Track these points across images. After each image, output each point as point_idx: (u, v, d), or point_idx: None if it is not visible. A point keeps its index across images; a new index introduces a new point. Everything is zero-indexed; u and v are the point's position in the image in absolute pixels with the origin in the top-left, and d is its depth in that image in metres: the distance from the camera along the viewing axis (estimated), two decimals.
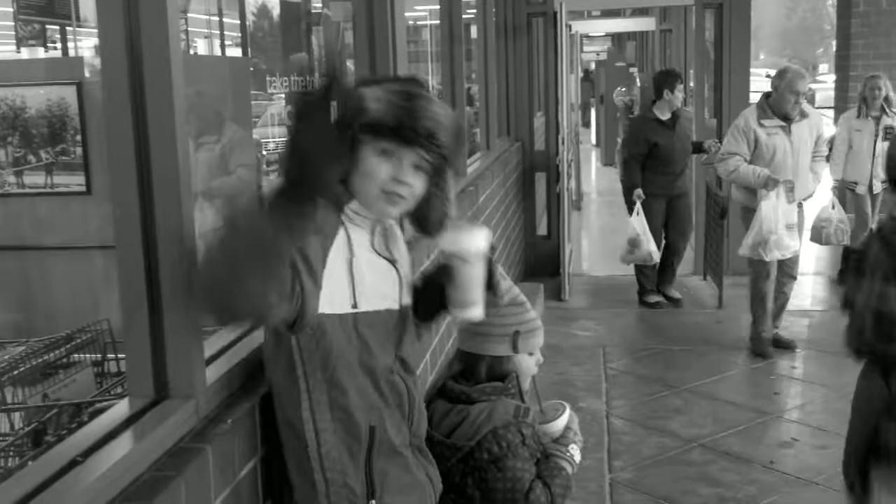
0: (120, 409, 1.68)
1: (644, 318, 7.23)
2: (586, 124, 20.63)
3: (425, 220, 1.94)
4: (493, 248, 2.04)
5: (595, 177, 16.46)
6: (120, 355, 2.72)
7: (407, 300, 1.98)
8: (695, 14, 9.05)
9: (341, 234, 1.84)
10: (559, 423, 2.50)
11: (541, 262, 8.49)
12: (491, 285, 2.04)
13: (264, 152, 4.15)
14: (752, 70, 12.91)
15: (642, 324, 7.10)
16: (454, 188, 1.99)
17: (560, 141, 7.91)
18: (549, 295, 7.56)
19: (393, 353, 1.91)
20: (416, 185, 1.84)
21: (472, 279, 1.96)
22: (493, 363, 2.42)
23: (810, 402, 5.46)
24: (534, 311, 2.53)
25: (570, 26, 9.73)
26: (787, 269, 6.19)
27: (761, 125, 5.99)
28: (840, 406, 5.37)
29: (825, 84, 23.79)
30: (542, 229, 9.16)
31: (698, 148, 7.67)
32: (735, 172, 6.07)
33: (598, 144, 19.03)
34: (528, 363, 2.47)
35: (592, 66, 21.74)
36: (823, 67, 55.38)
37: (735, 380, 5.86)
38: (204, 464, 1.62)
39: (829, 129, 6.62)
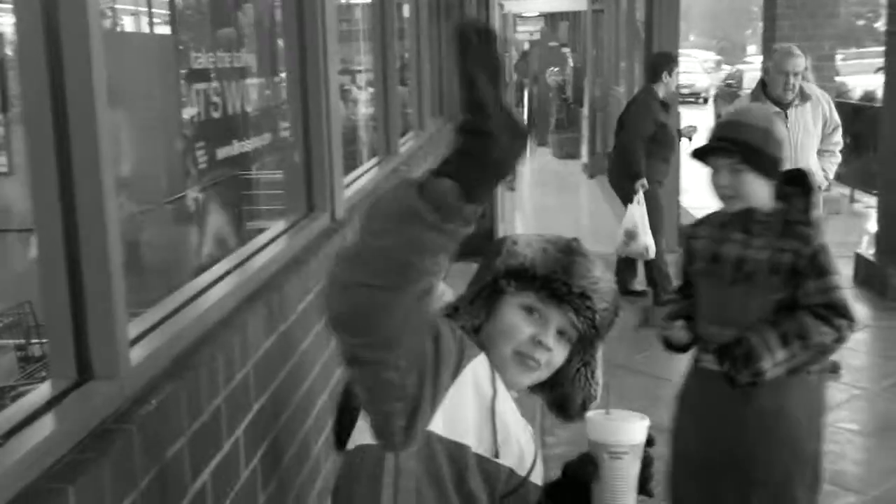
0: (41, 392, 1.66)
1: None
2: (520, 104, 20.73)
3: (567, 401, 1.70)
4: (650, 441, 1.62)
5: (528, 157, 16.57)
6: (44, 339, 2.68)
7: (538, 479, 1.65)
8: None
9: (482, 360, 1.56)
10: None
11: (475, 242, 8.51)
12: (645, 489, 1.62)
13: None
14: (683, 51, 13.12)
15: None
16: (601, 369, 1.73)
17: None
18: None
19: None
20: (556, 352, 1.61)
21: (624, 479, 1.58)
22: None
23: None
24: None
25: (502, 5, 9.76)
26: None
27: None
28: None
29: (753, 65, 24.24)
30: None
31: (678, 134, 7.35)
32: None
33: (531, 125, 19.15)
34: None
35: (526, 45, 21.84)
36: (752, 49, 56.31)
37: (666, 356, 5.95)
38: (128, 445, 1.61)
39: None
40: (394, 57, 5.57)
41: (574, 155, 15.26)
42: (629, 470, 1.58)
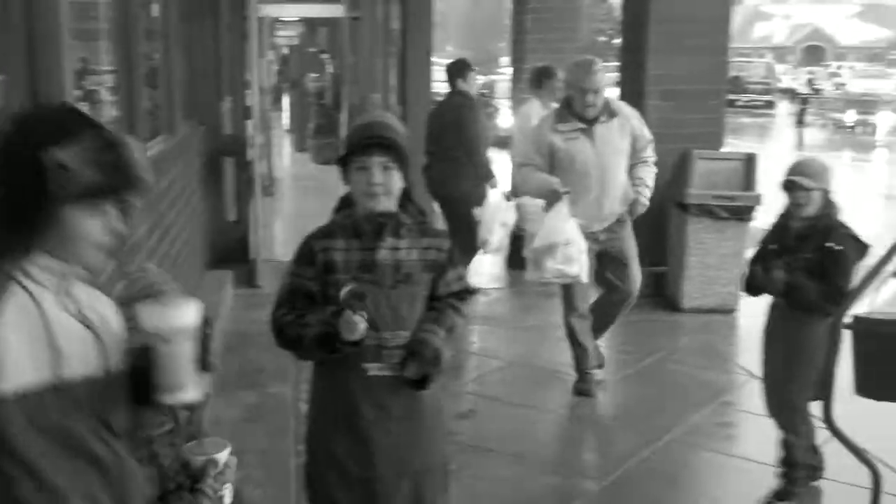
0: None
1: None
2: (279, 109, 20.52)
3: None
4: (207, 322, 1.82)
5: (288, 162, 16.42)
6: None
7: (117, 364, 1.77)
8: (381, 3, 9.28)
9: (15, 290, 1.63)
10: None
11: (229, 247, 8.34)
12: (206, 363, 1.81)
13: None
14: (440, 60, 13.50)
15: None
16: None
17: (250, 126, 7.81)
18: (240, 281, 7.47)
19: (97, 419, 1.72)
20: (124, 230, 1.74)
21: (178, 360, 1.73)
22: None
23: (487, 373, 5.81)
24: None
25: (258, 9, 9.62)
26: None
27: (556, 130, 5.16)
28: (511, 376, 5.79)
29: (505, 76, 25.28)
30: (233, 215, 9.00)
31: None
32: (525, 183, 5.41)
33: (291, 130, 18.98)
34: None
35: (285, 50, 21.66)
36: (504, 60, 58.63)
37: None
38: None
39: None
40: (139, 57, 5.34)
41: (333, 160, 15.25)
42: (182, 350, 1.72)
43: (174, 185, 6.07)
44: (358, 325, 2.50)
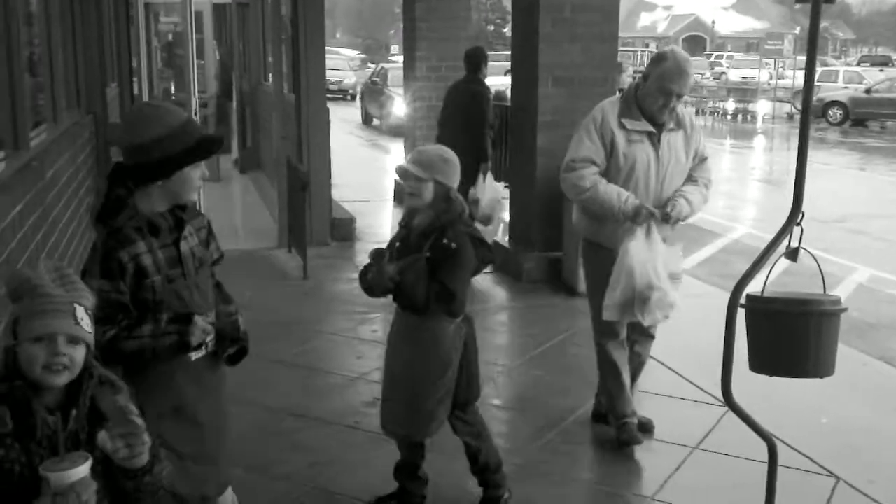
0: None
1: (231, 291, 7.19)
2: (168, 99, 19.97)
3: None
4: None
5: None
6: None
7: None
8: None
9: None
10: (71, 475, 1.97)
11: None
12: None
13: None
14: (329, 48, 13.36)
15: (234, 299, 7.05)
16: None
17: None
18: None
19: None
20: None
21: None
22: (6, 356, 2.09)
23: None
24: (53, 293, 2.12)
25: None
26: (641, 326, 4.53)
27: (622, 126, 4.30)
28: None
29: (397, 64, 25.24)
30: None
31: None
32: (589, 193, 4.29)
33: None
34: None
35: (170, 37, 21.07)
36: (395, 48, 58.59)
37: (321, 348, 6.06)
38: None
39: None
40: (18, 43, 5.11)
41: (223, 150, 14.98)
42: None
43: (60, 176, 5.85)
44: (206, 328, 2.72)
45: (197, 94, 7.89)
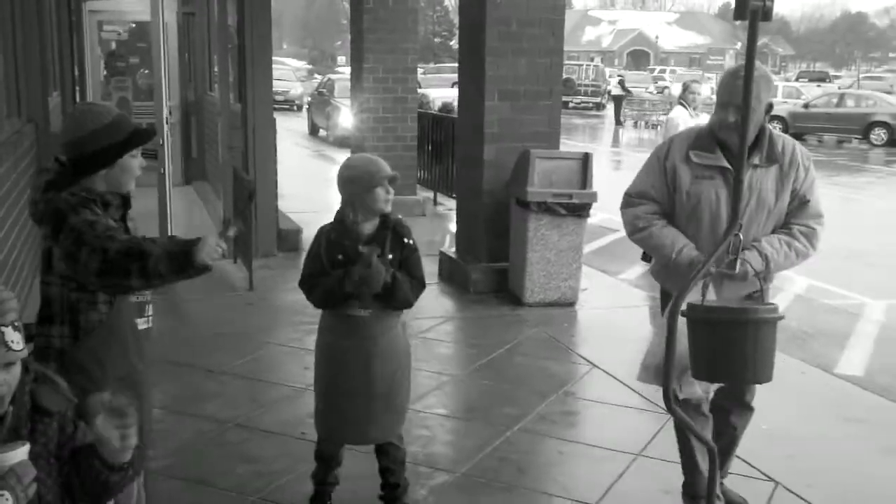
0: None
1: (176, 304, 7.13)
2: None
3: None
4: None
5: None
6: None
7: None
8: None
9: None
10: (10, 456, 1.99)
11: None
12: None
13: None
14: (276, 59, 13.32)
15: (180, 310, 6.99)
16: None
17: None
18: None
19: None
20: None
21: None
22: None
23: None
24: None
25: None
26: (733, 389, 3.88)
27: (688, 159, 3.64)
28: None
29: (343, 75, 25.22)
30: None
31: None
32: (642, 234, 3.73)
33: None
34: None
35: (113, 45, 20.82)
36: (342, 59, 58.41)
37: (267, 359, 6.03)
38: None
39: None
40: None
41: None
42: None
43: (0, 186, 5.75)
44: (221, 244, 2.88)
45: (167, 104, 7.78)
